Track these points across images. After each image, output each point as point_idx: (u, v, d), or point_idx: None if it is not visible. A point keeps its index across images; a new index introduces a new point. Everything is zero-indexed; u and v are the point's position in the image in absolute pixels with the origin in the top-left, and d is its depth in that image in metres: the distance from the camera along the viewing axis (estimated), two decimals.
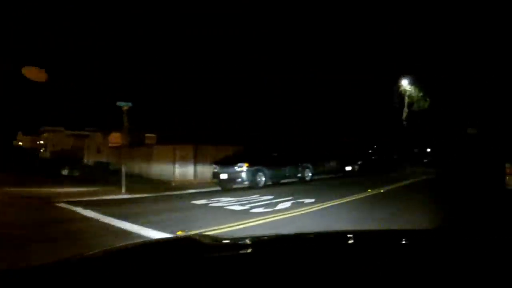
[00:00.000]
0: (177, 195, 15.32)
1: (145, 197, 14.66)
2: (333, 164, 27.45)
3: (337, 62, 36.66)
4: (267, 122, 26.04)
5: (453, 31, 51.12)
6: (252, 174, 15.98)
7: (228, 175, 16.07)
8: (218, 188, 16.71)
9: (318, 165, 20.61)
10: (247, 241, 2.00)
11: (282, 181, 18.06)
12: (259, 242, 1.97)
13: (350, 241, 1.99)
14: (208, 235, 2.33)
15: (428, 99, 43.51)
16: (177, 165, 20.18)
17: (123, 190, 15.92)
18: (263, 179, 16.36)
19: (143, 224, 7.91)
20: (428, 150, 53.83)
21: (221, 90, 28.12)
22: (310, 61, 30.32)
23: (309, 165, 19.15)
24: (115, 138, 27.36)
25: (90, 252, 1.61)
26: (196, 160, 20.31)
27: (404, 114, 44.11)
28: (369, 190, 13.64)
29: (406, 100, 43.72)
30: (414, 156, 48.13)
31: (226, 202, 11.97)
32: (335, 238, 2.11)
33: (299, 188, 16.06)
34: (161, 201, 13.25)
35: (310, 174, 19.19)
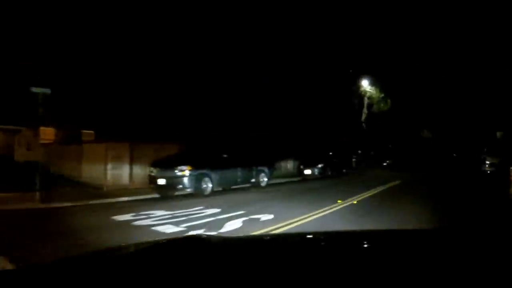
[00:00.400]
0: (101, 205, 12.16)
1: (60, 208, 11.59)
2: (291, 167, 25.10)
3: (295, 60, 34.43)
4: (217, 119, 23.22)
5: (414, 33, 50.44)
6: (196, 179, 13.09)
7: (167, 180, 13.12)
8: (157, 195, 13.78)
9: (275, 168, 18.07)
10: (251, 239, 2.22)
11: (234, 187, 15.29)
12: (262, 241, 2.08)
13: (351, 241, 1.97)
14: (212, 235, 2.35)
15: (388, 101, 42.30)
16: (109, 167, 16.96)
17: (38, 197, 12.75)
18: (210, 185, 13.53)
19: None
20: (386, 153, 52.98)
21: (170, 83, 25.01)
22: (266, 58, 27.89)
23: (265, 169, 16.51)
24: (47, 134, 23.77)
25: (90, 252, 1.60)
26: (133, 161, 17.10)
27: (363, 116, 42.73)
28: (339, 201, 11.14)
29: (366, 101, 42.32)
30: (372, 159, 47.02)
31: (158, 218, 9.12)
32: (336, 238, 2.14)
33: (253, 197, 13.41)
34: (73, 215, 10.12)
35: (265, 179, 16.54)
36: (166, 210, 10.12)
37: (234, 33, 25.75)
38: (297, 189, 16.50)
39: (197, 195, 13.07)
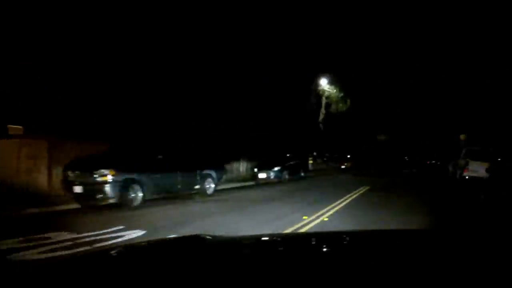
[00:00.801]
0: None
1: None
2: (244, 170, 22.74)
3: (250, 56, 32.20)
4: (159, 115, 20.41)
5: (374, 34, 49.61)
6: (122, 187, 10.35)
7: (85, 188, 10.27)
8: (78, 205, 10.99)
9: (224, 172, 15.59)
10: (252, 240, 2.06)
11: (172, 195, 12.61)
12: (263, 242, 1.99)
13: (351, 241, 1.97)
14: (211, 235, 1.85)
15: (348, 101, 40.88)
16: (22, 168, 13.91)
17: None
18: (140, 194, 10.83)
19: None
20: (342, 155, 51.85)
21: (113, 75, 21.97)
22: (220, 56, 25.47)
23: (212, 173, 13.97)
24: None
25: (90, 252, 1.08)
26: (53, 162, 14.12)
27: (321, 116, 41.10)
28: (304, 218, 8.80)
29: (324, 100, 40.71)
30: (329, 161, 45.60)
31: (51, 247, 6.43)
32: (337, 238, 2.15)
33: (195, 210, 10.85)
34: None
35: (212, 186, 14.00)
36: (71, 232, 7.40)
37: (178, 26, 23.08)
38: (249, 197, 14.10)
39: (124, 206, 10.37)
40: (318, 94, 39.99)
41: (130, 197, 10.58)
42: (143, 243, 2.00)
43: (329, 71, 39.43)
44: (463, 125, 40.06)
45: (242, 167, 23.76)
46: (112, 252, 1.64)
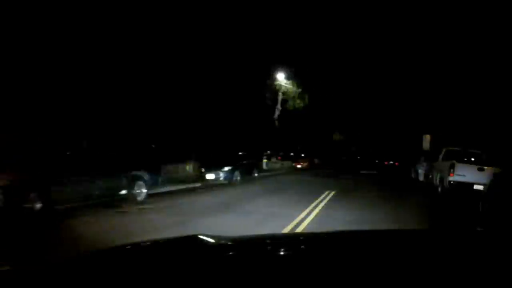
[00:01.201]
0: None
1: None
2: (191, 170, 19.98)
3: (206, 47, 29.43)
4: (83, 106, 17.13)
5: (334, 31, 48.15)
6: (15, 195, 7.39)
7: None
8: None
9: (160, 173, 12.71)
10: (252, 240, 2.02)
11: (89, 203, 9.65)
12: (262, 242, 1.95)
13: (352, 241, 1.97)
14: (210, 235, 1.77)
15: (306, 97, 38.88)
16: None
17: None
18: (38, 204, 7.89)
19: None
20: (297, 154, 49.98)
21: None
22: (165, 42, 22.52)
23: (144, 174, 11.04)
24: None
25: (90, 252, 1.58)
26: None
27: (277, 113, 38.86)
28: None
29: (280, 96, 38.49)
30: (285, 159, 43.53)
31: None
32: (338, 237, 2.16)
33: (118, 223, 8.09)
34: None
35: (144, 190, 11.06)
36: None
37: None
38: (189, 205, 11.28)
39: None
40: (274, 89, 37.72)
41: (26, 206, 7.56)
42: (141, 243, 1.78)
43: (287, 66, 37.29)
44: (423, 126, 39.17)
45: (190, 166, 20.93)
46: (111, 252, 1.60)
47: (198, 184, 17.11)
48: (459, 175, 12.96)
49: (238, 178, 17.79)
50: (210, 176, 17.30)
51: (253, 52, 35.19)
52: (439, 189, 14.58)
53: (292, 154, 47.38)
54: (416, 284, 1.13)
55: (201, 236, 1.73)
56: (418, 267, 1.29)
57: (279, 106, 38.69)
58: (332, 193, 13.93)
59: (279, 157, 43.02)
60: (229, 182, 17.30)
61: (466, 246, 1.71)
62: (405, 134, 48.87)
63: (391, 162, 53.21)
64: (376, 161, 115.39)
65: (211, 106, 26.92)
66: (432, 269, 1.24)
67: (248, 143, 36.82)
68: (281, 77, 37.33)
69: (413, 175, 22.32)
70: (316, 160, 43.30)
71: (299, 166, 35.92)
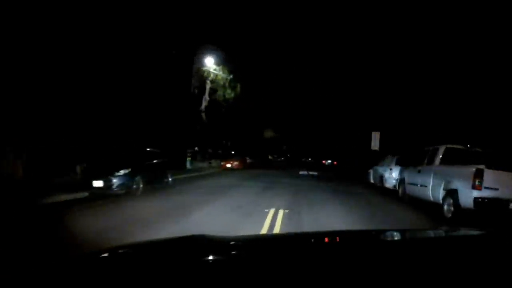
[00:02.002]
0: None
1: None
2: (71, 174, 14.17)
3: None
4: None
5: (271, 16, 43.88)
6: None
7: None
8: None
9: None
10: (252, 240, 2.07)
11: None
12: (264, 241, 2.00)
13: (352, 241, 1.99)
14: (211, 235, 1.76)
15: (238, 87, 33.98)
16: None
17: None
18: None
19: None
20: (226, 151, 44.99)
21: None
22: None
23: None
24: None
25: (90, 252, 1.57)
26: None
27: (204, 104, 33.56)
28: None
29: (209, 85, 33.23)
30: (212, 157, 38.29)
31: None
32: (338, 237, 2.17)
33: None
34: None
35: None
36: None
37: None
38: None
39: None
40: (202, 76, 32.36)
41: None
42: (141, 243, 1.79)
43: (217, 49, 32.07)
44: (364, 122, 36.07)
45: (79, 169, 15.13)
46: (111, 252, 1.59)
47: (83, 194, 11.50)
48: (490, 188, 8.08)
49: (140, 185, 12.30)
50: (97, 183, 11.66)
51: (177, 30, 29.62)
52: (447, 211, 9.32)
53: (221, 151, 42.32)
54: (416, 284, 1.12)
55: (203, 236, 1.73)
56: (418, 267, 1.28)
57: (206, 96, 33.43)
58: (280, 214, 8.89)
59: (206, 155, 37.75)
60: (126, 191, 11.81)
61: (467, 246, 1.71)
62: (344, 132, 45.95)
63: (329, 161, 49.07)
64: (310, 159, 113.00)
65: (115, 92, 20.92)
66: (432, 269, 1.23)
67: (167, 139, 31.20)
68: (210, 62, 32.07)
69: (372, 180, 17.97)
70: (248, 159, 38.58)
71: (228, 165, 30.89)
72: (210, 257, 1.45)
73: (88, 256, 1.53)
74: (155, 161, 14.23)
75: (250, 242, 1.92)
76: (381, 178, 15.95)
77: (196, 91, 32.37)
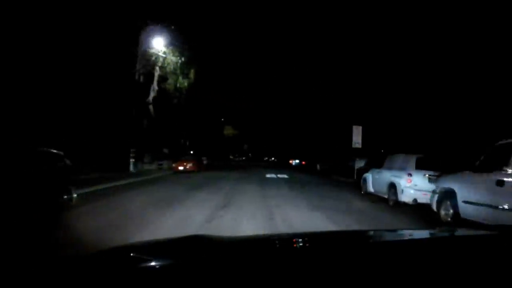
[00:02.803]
0: None
1: None
2: None
3: None
4: None
5: None
6: None
7: None
8: None
9: None
10: (253, 240, 2.06)
11: None
12: (264, 241, 1.99)
13: (352, 241, 1.96)
14: (211, 235, 1.79)
15: (192, 72, 28.72)
16: None
17: None
18: None
19: None
20: (181, 150, 39.53)
21: None
22: None
23: None
24: None
25: (91, 252, 1.57)
26: None
27: (152, 94, 28.12)
28: None
29: (157, 72, 27.79)
30: (165, 158, 32.81)
31: None
32: (338, 237, 2.16)
33: None
34: None
35: None
36: None
37: None
38: None
39: None
40: (149, 61, 26.80)
41: None
42: (142, 243, 1.82)
43: (168, 28, 26.63)
44: (341, 117, 31.92)
45: None
46: (111, 252, 1.61)
47: None
48: None
49: None
50: None
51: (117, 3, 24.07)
52: None
53: (176, 150, 36.77)
54: (416, 284, 1.12)
55: (202, 236, 1.74)
56: (418, 267, 1.28)
57: (155, 85, 27.98)
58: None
59: (160, 154, 32.26)
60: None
61: (466, 246, 1.69)
62: (314, 128, 41.45)
63: (297, 161, 43.48)
64: (273, 159, 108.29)
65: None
66: (432, 270, 1.23)
67: (106, 137, 25.56)
68: (159, 44, 26.55)
69: (372, 189, 12.90)
70: (205, 160, 33.33)
71: (181, 167, 25.50)
72: (210, 257, 1.42)
73: (88, 257, 1.51)
74: (61, 162, 8.87)
75: (250, 242, 1.92)
76: (392, 187, 10.98)
77: (142, 78, 26.78)
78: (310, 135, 43.45)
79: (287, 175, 26.24)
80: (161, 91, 28.47)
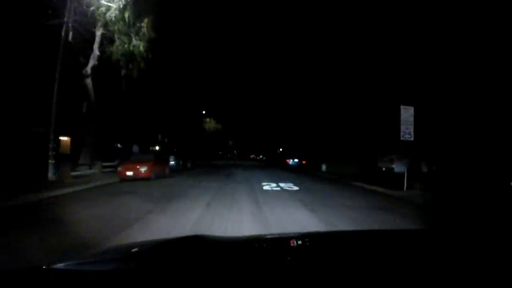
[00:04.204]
0: None
1: None
2: None
3: None
4: None
5: None
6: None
7: None
8: None
9: None
10: (253, 240, 2.06)
11: None
12: (265, 241, 1.98)
13: (352, 241, 1.96)
14: (212, 235, 1.90)
15: (146, 25, 19.46)
16: None
17: None
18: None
19: None
20: (144, 146, 30.46)
21: None
22: None
23: None
24: None
25: (93, 252, 1.65)
26: None
27: (91, 63, 18.96)
28: None
29: (100, 31, 18.64)
30: (116, 158, 23.63)
31: None
32: (338, 238, 2.15)
33: None
34: None
35: None
36: None
37: None
38: None
39: None
40: (87, 13, 17.58)
41: None
42: (143, 243, 1.78)
43: None
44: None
45: None
46: (112, 252, 1.60)
47: None
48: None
49: None
50: None
51: None
52: None
53: (137, 149, 27.62)
54: (416, 284, 1.12)
55: (202, 236, 1.73)
56: (418, 267, 1.28)
57: (95, 50, 18.81)
58: None
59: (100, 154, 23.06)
60: None
61: (466, 246, 1.69)
62: (315, 119, 32.62)
63: (296, 160, 33.55)
64: (261, 157, 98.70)
65: None
66: (432, 269, 1.23)
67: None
68: None
69: None
70: (173, 161, 23.86)
71: (129, 173, 16.32)
72: (211, 257, 1.42)
73: (88, 257, 1.52)
74: None
75: (250, 242, 1.88)
76: None
77: (76, 49, 17.60)
78: (313, 127, 34.64)
79: (293, 183, 17.13)
80: (107, 60, 19.38)
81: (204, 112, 57.40)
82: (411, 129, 15.00)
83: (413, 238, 2.03)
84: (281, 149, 62.51)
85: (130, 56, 19.04)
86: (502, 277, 1.17)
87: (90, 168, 19.08)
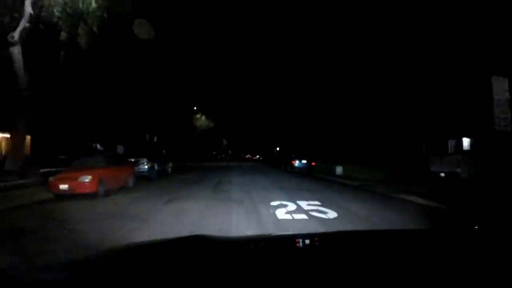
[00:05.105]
0: None
1: None
2: None
3: None
4: None
5: None
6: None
7: None
8: None
9: None
10: (253, 240, 2.02)
11: None
12: (265, 241, 1.92)
13: (352, 241, 1.90)
14: (212, 235, 1.81)
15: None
16: None
17: None
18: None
19: None
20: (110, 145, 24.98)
21: None
22: None
23: None
24: None
25: (93, 252, 1.57)
26: None
27: (23, 24, 13.28)
28: None
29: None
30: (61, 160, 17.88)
31: None
32: (337, 238, 2.09)
33: None
34: None
35: None
36: None
37: None
38: None
39: None
40: None
41: None
42: (143, 243, 1.78)
43: None
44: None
45: None
46: (112, 253, 1.59)
47: None
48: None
49: None
50: None
51: None
52: None
53: (121, 150, 22.18)
54: (415, 284, 1.09)
55: (203, 236, 1.72)
56: (418, 267, 1.25)
57: (28, 7, 13.11)
58: None
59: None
60: None
61: (466, 246, 1.64)
62: (324, 113, 27.46)
63: (304, 161, 27.57)
64: (258, 157, 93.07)
65: None
66: (432, 269, 1.20)
67: None
68: None
69: None
70: (145, 164, 17.09)
71: (63, 186, 10.62)
72: (212, 257, 1.41)
73: (89, 257, 1.49)
74: None
75: (250, 242, 1.88)
76: None
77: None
78: (322, 123, 29.22)
79: (316, 198, 10.85)
80: (49, 24, 13.68)
81: (195, 108, 52.07)
82: (509, 113, 9.48)
83: (414, 238, 1.90)
84: (278, 148, 58.38)
85: (77, 15, 13.31)
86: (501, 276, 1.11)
87: (21, 178, 13.36)
